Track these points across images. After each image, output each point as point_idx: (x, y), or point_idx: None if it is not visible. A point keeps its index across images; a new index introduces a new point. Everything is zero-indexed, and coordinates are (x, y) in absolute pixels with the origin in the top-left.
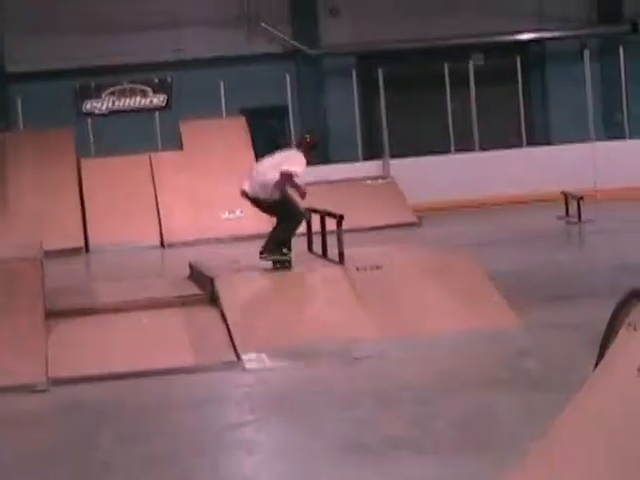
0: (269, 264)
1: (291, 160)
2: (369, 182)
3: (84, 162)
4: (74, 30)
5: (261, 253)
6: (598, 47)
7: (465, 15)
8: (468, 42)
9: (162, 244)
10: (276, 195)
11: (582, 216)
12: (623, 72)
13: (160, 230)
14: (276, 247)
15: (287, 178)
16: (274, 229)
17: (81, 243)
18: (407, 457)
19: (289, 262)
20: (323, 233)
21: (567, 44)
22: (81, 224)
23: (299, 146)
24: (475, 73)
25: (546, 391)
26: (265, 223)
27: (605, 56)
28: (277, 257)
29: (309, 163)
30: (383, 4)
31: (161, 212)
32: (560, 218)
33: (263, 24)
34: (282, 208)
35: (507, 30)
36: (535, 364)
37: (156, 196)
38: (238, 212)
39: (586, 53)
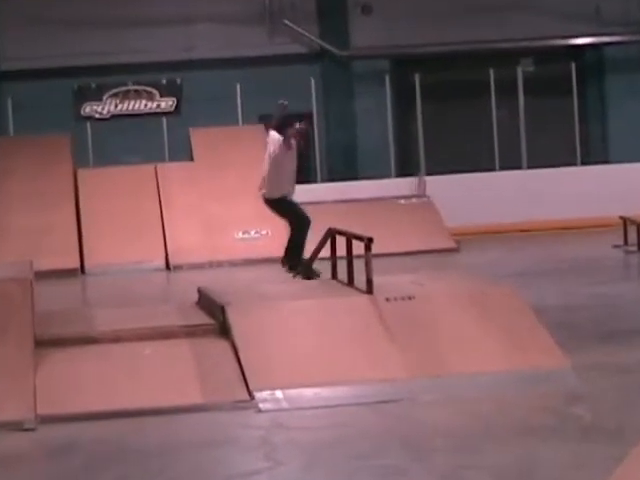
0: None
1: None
2: (402, 201)
3: (82, 173)
4: (73, 25)
5: (282, 265)
6: None
7: (513, 16)
8: (516, 46)
9: (168, 266)
10: (275, 194)
11: None
12: None
13: (166, 251)
14: (294, 258)
15: (285, 145)
16: (289, 240)
17: (76, 264)
18: None
19: (312, 272)
20: (349, 258)
21: (628, 50)
22: (77, 243)
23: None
24: (524, 81)
25: (597, 441)
26: (281, 245)
27: None
28: (299, 272)
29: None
30: (421, 2)
31: (167, 230)
32: (617, 246)
33: (287, 21)
34: (284, 207)
35: (560, 33)
36: (585, 410)
37: (162, 212)
38: (253, 232)
39: None
